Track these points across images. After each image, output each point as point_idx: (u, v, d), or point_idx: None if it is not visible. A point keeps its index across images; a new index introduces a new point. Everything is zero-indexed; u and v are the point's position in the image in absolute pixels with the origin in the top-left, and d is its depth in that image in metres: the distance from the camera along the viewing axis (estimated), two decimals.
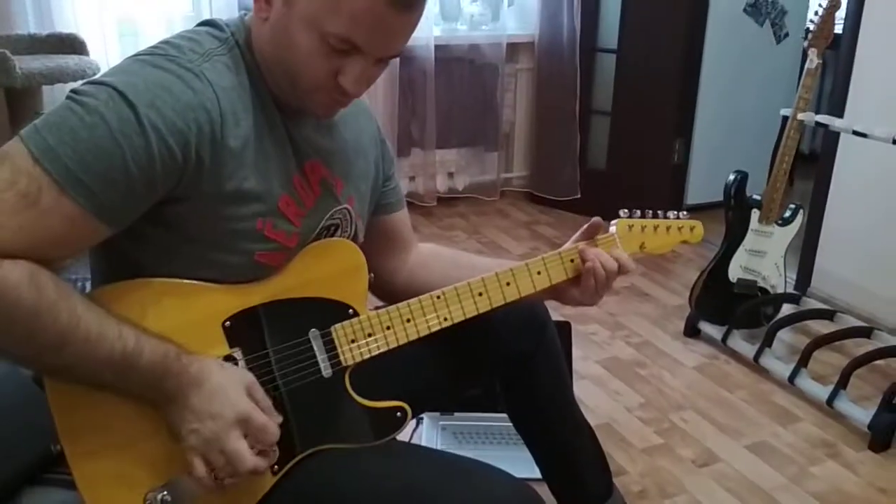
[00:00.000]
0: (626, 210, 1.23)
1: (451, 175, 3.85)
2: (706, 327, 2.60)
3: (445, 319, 1.10)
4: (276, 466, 1.00)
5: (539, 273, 1.16)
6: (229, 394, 0.91)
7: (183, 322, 0.95)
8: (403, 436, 1.10)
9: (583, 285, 1.17)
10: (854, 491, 1.89)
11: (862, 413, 2.10)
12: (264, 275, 1.01)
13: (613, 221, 1.23)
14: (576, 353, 2.36)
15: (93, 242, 0.92)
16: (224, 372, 0.94)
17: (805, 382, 2.27)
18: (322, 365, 1.03)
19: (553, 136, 3.81)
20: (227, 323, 0.98)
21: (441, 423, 2.02)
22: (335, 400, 1.05)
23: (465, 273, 1.14)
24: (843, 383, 2.16)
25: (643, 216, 1.24)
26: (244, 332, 0.99)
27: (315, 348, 1.03)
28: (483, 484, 1.01)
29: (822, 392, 2.20)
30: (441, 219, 3.73)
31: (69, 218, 0.85)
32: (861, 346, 2.43)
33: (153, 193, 0.90)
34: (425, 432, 1.99)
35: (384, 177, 1.25)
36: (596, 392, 2.30)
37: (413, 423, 2.01)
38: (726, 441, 2.09)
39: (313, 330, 1.03)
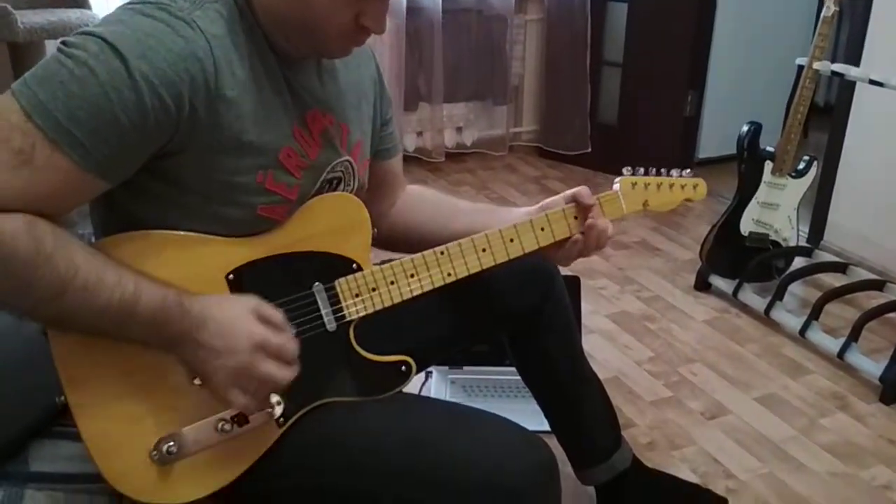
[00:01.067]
0: (629, 167, 1.22)
1: (459, 130, 3.81)
2: (717, 281, 2.59)
3: (449, 275, 1.09)
4: (281, 419, 1.00)
5: (543, 229, 1.14)
6: (240, 325, 0.91)
7: (185, 274, 0.94)
8: (412, 389, 1.10)
9: (570, 243, 1.16)
10: (864, 443, 1.89)
11: (873, 366, 2.09)
12: (267, 228, 1.00)
13: (616, 179, 1.22)
14: (585, 307, 2.35)
15: (91, 196, 0.90)
16: (227, 304, 0.93)
17: (816, 335, 2.26)
18: (326, 319, 1.02)
19: (563, 89, 3.76)
20: (231, 276, 0.97)
21: (450, 376, 2.03)
22: (339, 354, 1.04)
23: (448, 216, 1.14)
24: (854, 336, 2.14)
25: (647, 173, 1.23)
26: (248, 284, 0.98)
27: (319, 302, 1.02)
28: (489, 433, 1.01)
29: (833, 345, 2.19)
30: (449, 174, 3.70)
31: (64, 173, 0.83)
32: (873, 299, 2.41)
33: (148, 146, 0.88)
34: (434, 386, 1.99)
35: (382, 120, 1.23)
36: (605, 346, 2.30)
37: (422, 376, 2.01)
38: (736, 394, 2.08)
39: (317, 284, 1.02)
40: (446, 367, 2.04)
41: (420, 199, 1.32)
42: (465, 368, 2.04)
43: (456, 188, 3.53)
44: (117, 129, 0.84)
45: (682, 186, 1.26)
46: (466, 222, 1.19)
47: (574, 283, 1.94)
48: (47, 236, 0.84)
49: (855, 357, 2.14)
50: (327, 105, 1.06)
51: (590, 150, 3.73)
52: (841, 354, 2.15)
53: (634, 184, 1.22)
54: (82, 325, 0.88)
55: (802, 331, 2.27)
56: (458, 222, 1.14)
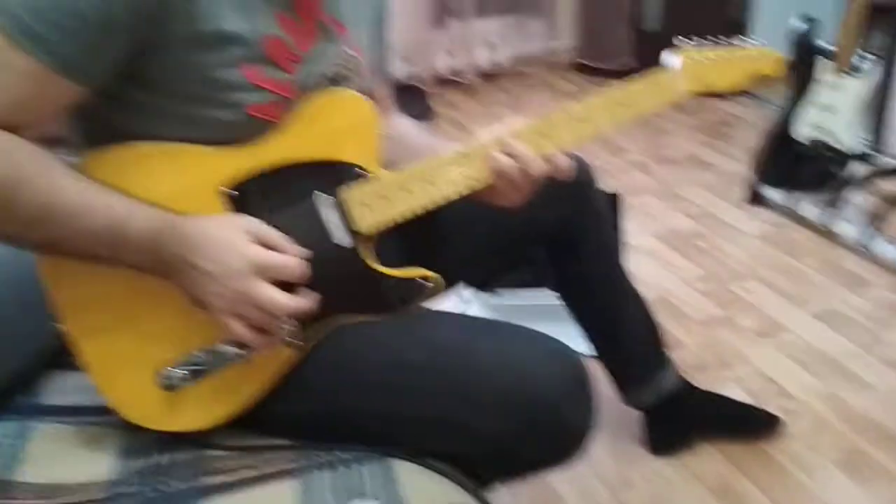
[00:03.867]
0: (688, 38, 1.01)
1: (492, 47, 3.63)
2: (770, 193, 2.43)
3: (476, 180, 0.97)
4: (294, 342, 0.92)
5: (582, 121, 1.00)
6: (235, 245, 0.83)
7: (175, 189, 0.86)
8: None
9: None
10: None
11: None
12: (262, 132, 0.90)
13: (673, 52, 1.01)
14: (629, 226, 2.22)
15: (65, 104, 0.82)
16: (222, 225, 0.85)
17: (878, 246, 2.12)
18: (334, 232, 0.93)
19: None
20: (225, 189, 0.89)
21: (491, 302, 1.94)
22: (352, 270, 0.94)
23: (404, 157, 0.99)
24: None
25: (713, 45, 1.02)
26: (243, 197, 0.89)
27: (323, 214, 0.92)
28: (516, 342, 0.93)
29: None
30: (484, 96, 3.55)
31: (30, 75, 0.76)
32: None
33: (118, 42, 0.79)
34: (474, 312, 1.91)
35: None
36: (651, 265, 2.18)
37: (461, 305, 1.93)
38: (792, 310, 1.96)
39: (321, 194, 0.92)
40: (485, 293, 1.96)
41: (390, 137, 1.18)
42: (503, 293, 1.95)
43: (490, 109, 3.38)
44: (84, 21, 0.75)
45: (753, 59, 1.03)
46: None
47: (614, 199, 1.83)
48: (23, 156, 0.77)
49: None
50: None
51: (633, 62, 3.53)
52: None
53: (696, 58, 1.00)
54: (73, 250, 0.82)
55: (863, 242, 2.13)
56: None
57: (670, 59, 1.01)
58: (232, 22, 0.83)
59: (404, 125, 1.19)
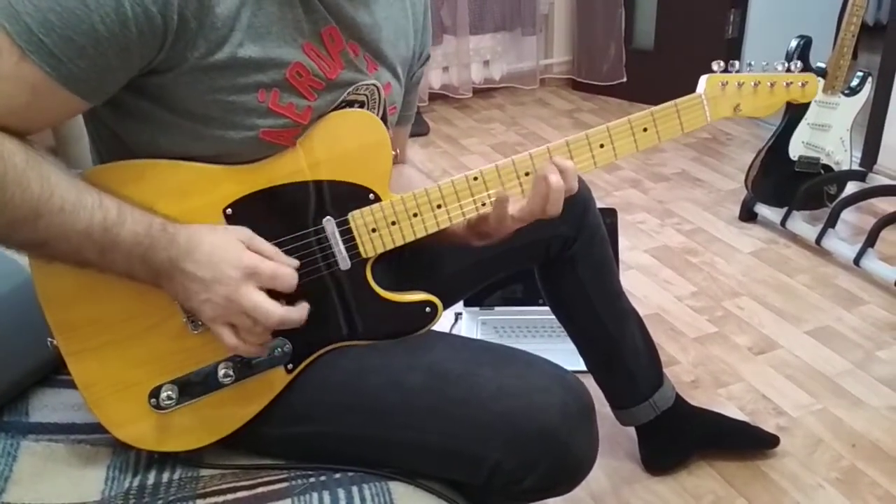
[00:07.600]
0: (720, 62, 1.00)
1: (486, 63, 3.65)
2: (763, 210, 2.44)
3: (483, 204, 0.95)
4: (290, 365, 0.92)
5: (602, 146, 0.99)
6: (228, 252, 0.82)
7: (179, 208, 0.85)
8: (441, 330, 1.00)
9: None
10: None
11: None
12: (272, 154, 0.89)
13: (703, 77, 1.00)
14: (623, 242, 2.24)
15: (67, 115, 0.81)
16: (216, 232, 0.84)
17: (872, 263, 2.12)
18: (339, 256, 0.92)
19: (596, 15, 3.56)
20: (229, 210, 0.88)
21: (481, 317, 1.94)
22: (355, 294, 0.94)
23: None
24: None
25: (741, 69, 1.01)
26: (249, 219, 0.88)
27: (331, 238, 0.92)
28: (520, 369, 0.91)
29: (889, 273, 2.06)
30: (477, 111, 3.56)
31: (32, 86, 0.75)
32: None
33: (129, 63, 0.78)
34: (464, 327, 1.91)
35: (413, 77, 1.09)
36: (644, 282, 2.18)
37: (451, 318, 1.93)
38: (786, 327, 1.96)
39: (328, 217, 0.91)
40: (477, 308, 1.96)
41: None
42: (497, 309, 1.95)
43: (484, 125, 3.39)
44: (94, 40, 0.74)
45: (787, 85, 1.01)
46: None
47: (611, 216, 1.83)
48: (16, 154, 0.75)
49: None
50: (354, 31, 0.92)
51: (625, 79, 3.55)
52: None
53: (725, 83, 0.99)
54: (63, 251, 0.80)
55: (857, 259, 2.14)
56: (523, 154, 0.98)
57: (700, 83, 1.00)
58: (250, 49, 0.82)
59: (412, 174, 1.17)
